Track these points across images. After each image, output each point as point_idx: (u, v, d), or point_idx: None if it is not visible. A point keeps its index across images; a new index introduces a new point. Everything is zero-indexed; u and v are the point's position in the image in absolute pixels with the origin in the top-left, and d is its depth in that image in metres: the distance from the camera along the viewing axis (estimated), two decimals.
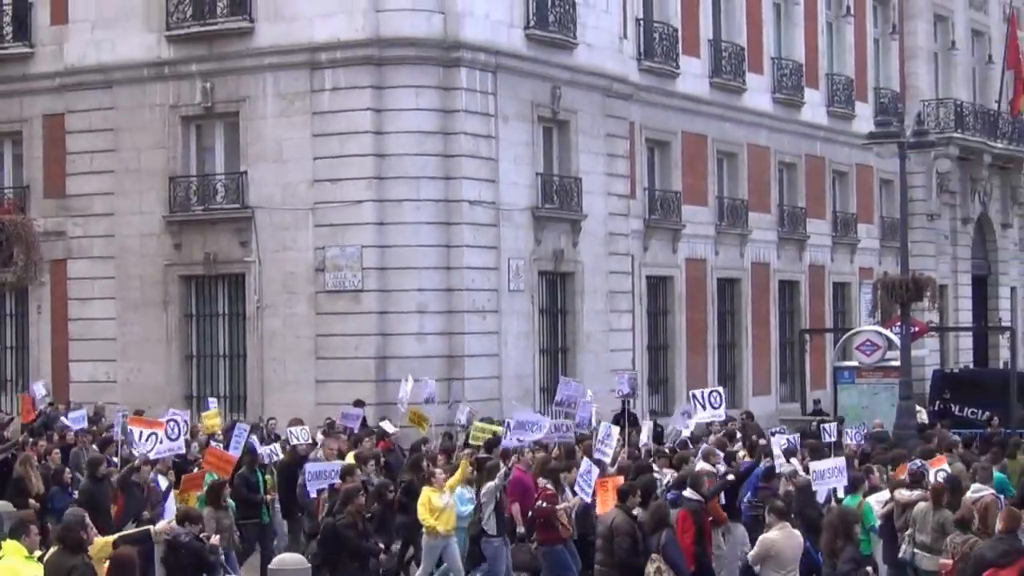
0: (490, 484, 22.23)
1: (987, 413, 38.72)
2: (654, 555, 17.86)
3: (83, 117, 37.03)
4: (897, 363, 38.88)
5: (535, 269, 36.41)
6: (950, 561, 17.30)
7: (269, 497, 23.86)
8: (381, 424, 29.24)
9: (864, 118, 50.56)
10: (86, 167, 36.91)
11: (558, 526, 21.16)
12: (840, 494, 21.67)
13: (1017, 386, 41.54)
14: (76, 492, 23.18)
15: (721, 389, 27.39)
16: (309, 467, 22.68)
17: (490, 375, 34.39)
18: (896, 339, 39.75)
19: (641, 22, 41.63)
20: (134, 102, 36.19)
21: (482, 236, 34.60)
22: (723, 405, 25.99)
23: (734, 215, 45.52)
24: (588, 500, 21.06)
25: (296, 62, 34.42)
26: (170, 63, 35.86)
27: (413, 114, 33.85)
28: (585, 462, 22.03)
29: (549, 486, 21.50)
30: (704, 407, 25.75)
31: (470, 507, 22.46)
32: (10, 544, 14.17)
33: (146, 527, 18.34)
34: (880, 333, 41.61)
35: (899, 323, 39.29)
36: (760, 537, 18.36)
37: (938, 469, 21.94)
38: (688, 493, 20.42)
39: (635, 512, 18.87)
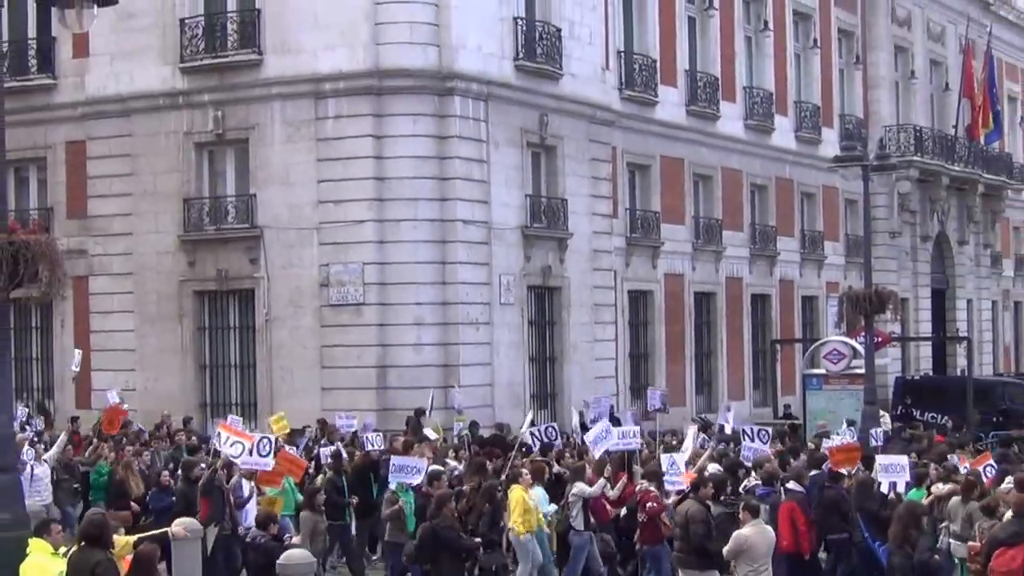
0: (579, 484, 21.98)
1: (945, 417, 38.80)
2: None
3: (103, 144, 37.04)
4: (862, 371, 38.88)
5: (524, 284, 36.39)
6: (978, 544, 17.56)
7: (354, 500, 23.34)
8: (425, 431, 29.10)
9: (830, 143, 50.56)
10: (106, 190, 36.92)
11: (661, 526, 21.10)
12: (900, 488, 21.53)
13: (973, 392, 41.70)
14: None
15: (769, 429, 27.53)
16: (395, 460, 22.61)
17: (483, 383, 34.37)
18: (861, 348, 39.76)
19: (622, 54, 41.67)
20: (150, 130, 36.17)
21: (475, 253, 34.59)
22: (768, 441, 25.96)
23: (709, 233, 45.54)
24: (685, 488, 20.85)
25: (301, 92, 34.42)
26: (184, 93, 35.85)
27: (410, 140, 33.84)
28: (666, 457, 22.20)
29: (652, 488, 21.30)
30: (752, 440, 25.45)
31: (553, 507, 22.14)
32: (36, 542, 14.13)
33: (164, 529, 18.28)
34: (846, 343, 41.60)
35: (863, 334, 39.28)
36: (734, 533, 18.35)
37: (985, 465, 22.37)
38: (792, 485, 20.76)
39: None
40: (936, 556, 18.01)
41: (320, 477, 24.66)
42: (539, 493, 21.86)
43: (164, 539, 17.70)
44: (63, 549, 14.15)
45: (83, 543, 13.96)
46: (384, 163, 33.69)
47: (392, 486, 22.24)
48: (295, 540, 18.32)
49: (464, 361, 34.01)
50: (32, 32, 38.47)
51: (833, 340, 43.14)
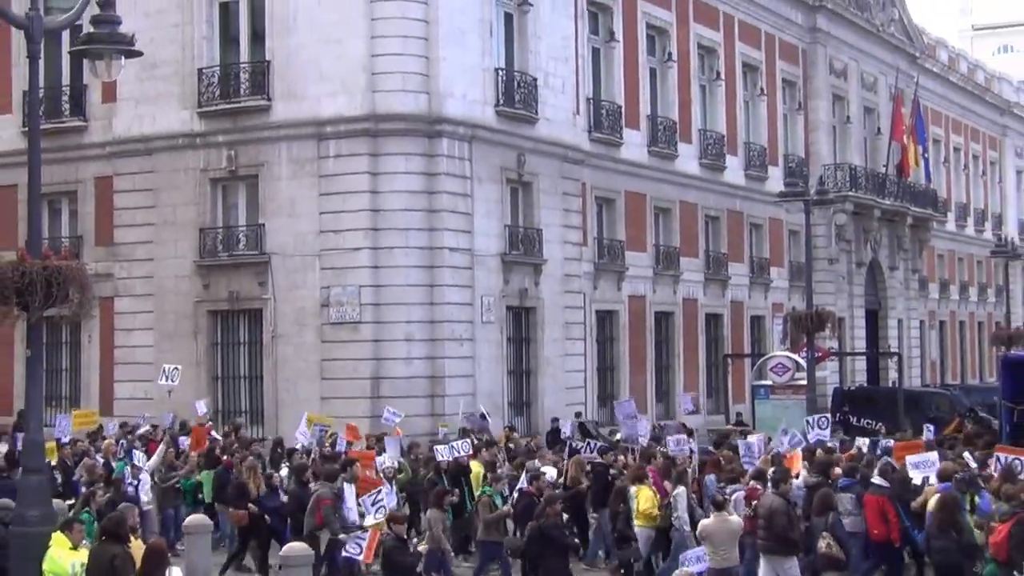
0: (681, 488, 21.81)
1: (879, 423, 38.74)
2: (824, 532, 18.19)
3: (128, 179, 36.97)
4: (804, 382, 39.05)
5: (504, 304, 36.33)
6: (996, 525, 17.77)
7: (454, 498, 22.60)
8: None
9: (775, 179, 50.65)
10: (130, 220, 36.84)
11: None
12: (932, 480, 21.26)
13: (904, 401, 41.73)
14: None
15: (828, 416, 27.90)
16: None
17: (466, 392, 34.25)
18: (803, 362, 39.88)
19: (591, 101, 41.71)
20: (171, 166, 36.12)
21: (460, 277, 34.54)
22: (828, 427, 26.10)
23: (668, 260, 45.54)
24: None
25: (306, 134, 34.37)
26: (201, 134, 35.79)
27: (403, 176, 33.81)
28: (743, 443, 23.47)
29: (759, 486, 21.18)
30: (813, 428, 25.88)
31: None
32: (57, 536, 14.04)
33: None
34: (790, 357, 41.68)
35: (805, 349, 39.46)
36: (700, 523, 19.15)
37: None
38: (878, 480, 20.72)
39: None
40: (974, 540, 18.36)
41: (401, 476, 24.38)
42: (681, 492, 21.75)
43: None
44: (85, 542, 14.07)
45: (103, 538, 13.88)
46: (379, 197, 33.65)
47: (488, 491, 22.04)
48: (422, 543, 17.95)
49: (449, 373, 33.95)
50: (66, 80, 38.44)
51: (778, 355, 43.22)
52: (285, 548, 18.62)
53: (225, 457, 25.57)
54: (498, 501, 21.89)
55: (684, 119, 46.67)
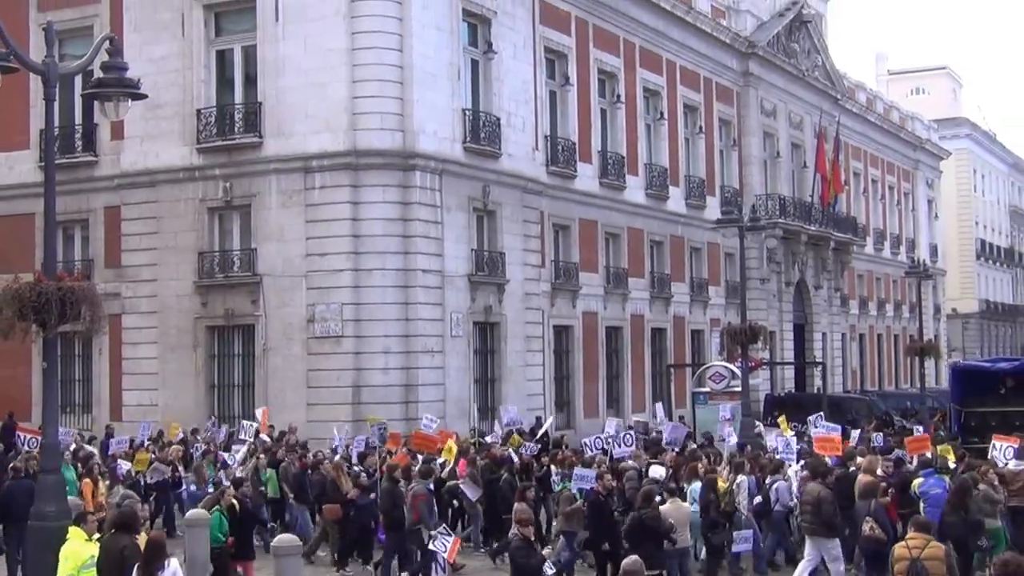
0: (743, 476, 22.02)
1: (805, 426, 38.87)
2: (868, 516, 18.26)
3: (134, 208, 36.85)
4: (739, 389, 39.16)
5: (471, 320, 36.37)
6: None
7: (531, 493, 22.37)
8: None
9: (713, 208, 50.90)
10: (136, 245, 36.72)
11: None
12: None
13: (828, 406, 41.89)
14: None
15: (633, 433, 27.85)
16: (577, 471, 22.21)
17: (437, 399, 34.28)
18: (738, 371, 40.01)
19: (548, 137, 41.85)
20: (172, 197, 36.04)
21: (431, 296, 34.58)
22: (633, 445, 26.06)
23: (617, 280, 45.67)
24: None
25: (294, 167, 34.37)
26: (199, 168, 35.73)
27: (380, 206, 33.82)
28: (781, 439, 25.44)
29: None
30: (620, 446, 25.43)
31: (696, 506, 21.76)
32: (74, 530, 14.00)
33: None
34: (726, 367, 41.80)
35: (740, 359, 39.58)
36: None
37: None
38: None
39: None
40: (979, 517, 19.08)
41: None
42: (697, 487, 21.73)
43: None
44: (96, 535, 14.03)
45: (114, 530, 13.86)
46: (359, 224, 33.65)
47: (573, 488, 21.80)
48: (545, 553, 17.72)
49: (422, 382, 33.96)
50: (78, 119, 38.32)
51: (716, 364, 43.34)
52: (276, 539, 18.56)
53: (283, 457, 25.39)
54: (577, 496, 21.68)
55: (631, 154, 46.85)
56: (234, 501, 18.56)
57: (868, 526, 18.12)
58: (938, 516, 18.55)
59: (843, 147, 63.15)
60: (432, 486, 21.87)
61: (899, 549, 14.36)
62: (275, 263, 34.38)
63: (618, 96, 46.18)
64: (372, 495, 22.09)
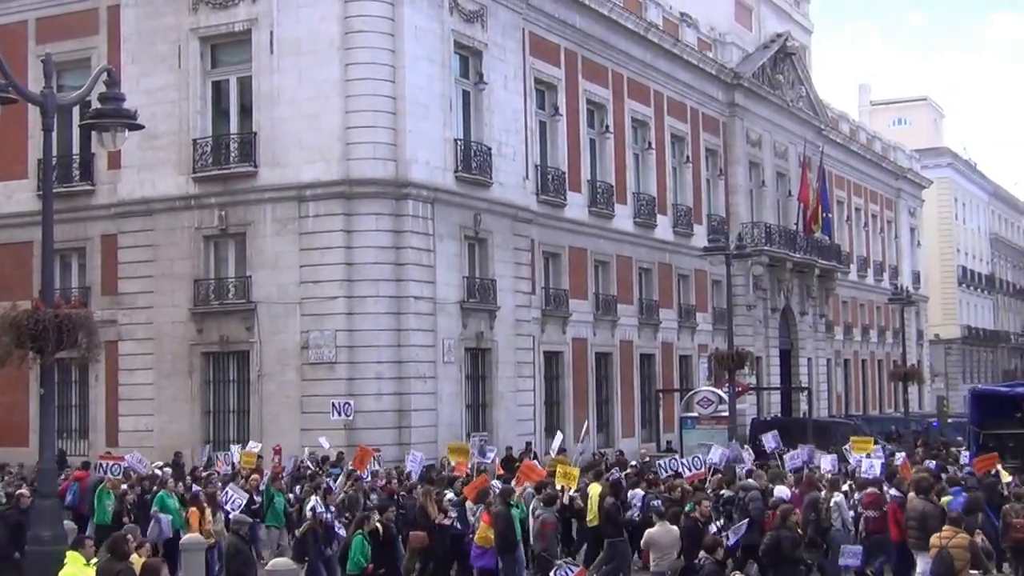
0: (839, 494, 22.12)
1: (790, 449, 38.85)
2: (977, 530, 18.32)
3: (131, 236, 36.82)
4: (726, 413, 39.19)
5: (462, 346, 36.33)
6: (1020, 520, 19.98)
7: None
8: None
9: (700, 236, 50.95)
10: (132, 273, 36.66)
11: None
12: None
13: (813, 430, 41.92)
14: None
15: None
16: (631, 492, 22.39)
17: (429, 424, 34.23)
18: (725, 396, 40.03)
19: (538, 167, 41.90)
20: (168, 225, 36.02)
21: (423, 322, 34.54)
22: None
23: (606, 306, 45.65)
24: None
25: (288, 196, 34.37)
26: (195, 197, 35.73)
27: (373, 234, 33.82)
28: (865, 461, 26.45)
29: (875, 490, 22.08)
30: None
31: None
32: (72, 554, 13.92)
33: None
34: (714, 392, 41.84)
35: (727, 384, 39.60)
36: (646, 532, 19.40)
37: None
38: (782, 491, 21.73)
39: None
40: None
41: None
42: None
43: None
44: (94, 560, 13.94)
45: (109, 555, 13.78)
46: (352, 252, 33.65)
47: (731, 541, 21.59)
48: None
49: (415, 407, 33.89)
50: (76, 149, 38.31)
51: (704, 389, 43.38)
52: (271, 563, 18.48)
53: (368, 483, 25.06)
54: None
55: (620, 183, 46.91)
56: (378, 525, 18.24)
57: (979, 539, 18.05)
58: None
59: (828, 176, 63.21)
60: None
61: (932, 539, 17.23)
62: (270, 290, 34.33)
63: (607, 126, 46.27)
64: (454, 515, 21.80)
